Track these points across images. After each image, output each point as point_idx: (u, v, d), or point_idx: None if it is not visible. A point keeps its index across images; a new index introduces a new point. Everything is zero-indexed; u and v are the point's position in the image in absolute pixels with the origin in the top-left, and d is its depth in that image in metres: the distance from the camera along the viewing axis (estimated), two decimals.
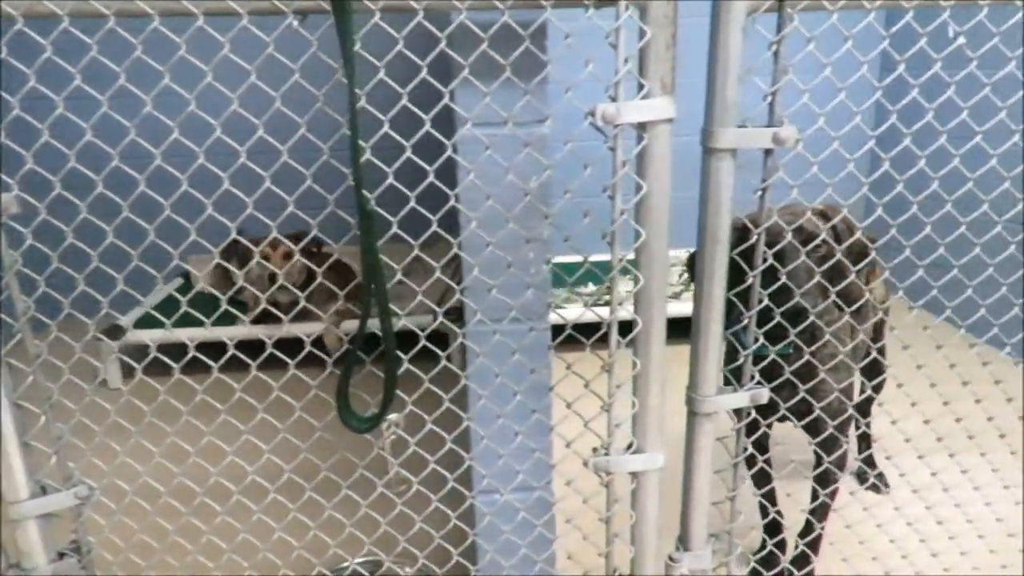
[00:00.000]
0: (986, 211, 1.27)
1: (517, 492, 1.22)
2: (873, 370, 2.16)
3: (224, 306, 3.35)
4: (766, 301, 1.19)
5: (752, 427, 1.82)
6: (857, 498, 1.63)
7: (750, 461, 1.84)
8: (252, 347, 1.49)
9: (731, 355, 1.61)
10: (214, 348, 1.31)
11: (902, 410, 1.41)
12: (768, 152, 1.08)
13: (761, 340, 1.27)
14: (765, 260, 1.15)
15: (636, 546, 1.26)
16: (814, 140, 1.20)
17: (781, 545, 1.88)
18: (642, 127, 1.03)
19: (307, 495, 1.23)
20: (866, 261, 1.54)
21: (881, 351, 2.17)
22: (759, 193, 1.10)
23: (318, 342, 3.29)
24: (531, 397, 1.19)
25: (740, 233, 1.18)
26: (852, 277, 1.37)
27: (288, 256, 3.24)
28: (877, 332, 2.13)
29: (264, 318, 3.33)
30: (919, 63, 1.41)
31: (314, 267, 1.31)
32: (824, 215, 1.59)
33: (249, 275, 3.39)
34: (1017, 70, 1.19)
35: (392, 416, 1.13)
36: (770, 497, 1.82)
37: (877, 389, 2.22)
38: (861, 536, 1.58)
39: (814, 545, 1.75)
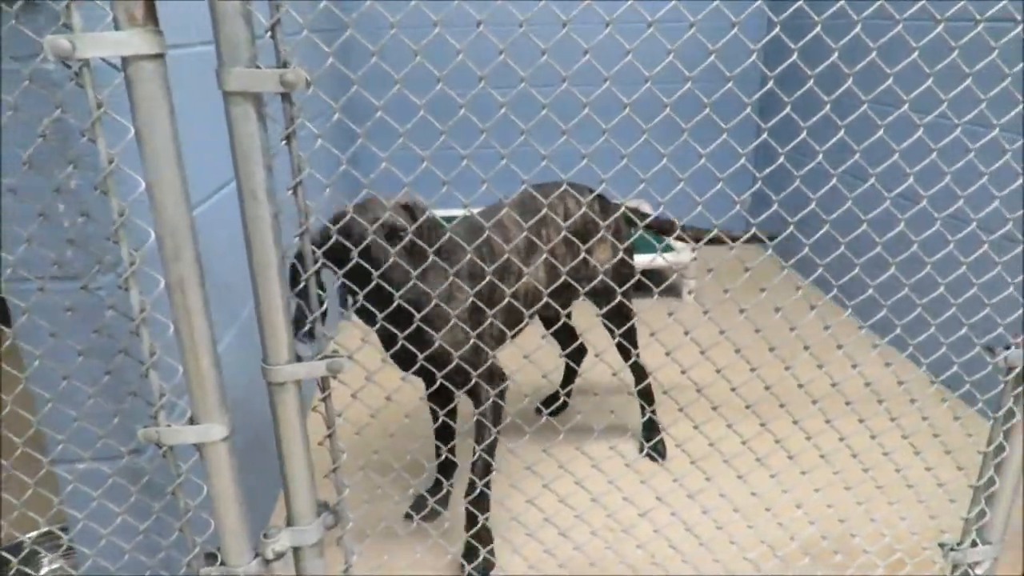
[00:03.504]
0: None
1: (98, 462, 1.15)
2: (616, 333, 2.19)
3: None
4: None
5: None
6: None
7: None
8: None
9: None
10: None
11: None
12: (285, 97, 0.98)
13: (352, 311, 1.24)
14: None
15: (215, 522, 1.18)
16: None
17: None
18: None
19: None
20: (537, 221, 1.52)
21: (619, 315, 2.17)
22: (283, 142, 1.00)
23: None
24: (92, 360, 1.11)
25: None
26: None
27: None
28: (608, 296, 2.13)
29: None
30: None
31: None
32: (406, 208, 1.63)
33: None
34: None
35: None
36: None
37: (625, 353, 2.23)
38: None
39: (480, 502, 1.78)
